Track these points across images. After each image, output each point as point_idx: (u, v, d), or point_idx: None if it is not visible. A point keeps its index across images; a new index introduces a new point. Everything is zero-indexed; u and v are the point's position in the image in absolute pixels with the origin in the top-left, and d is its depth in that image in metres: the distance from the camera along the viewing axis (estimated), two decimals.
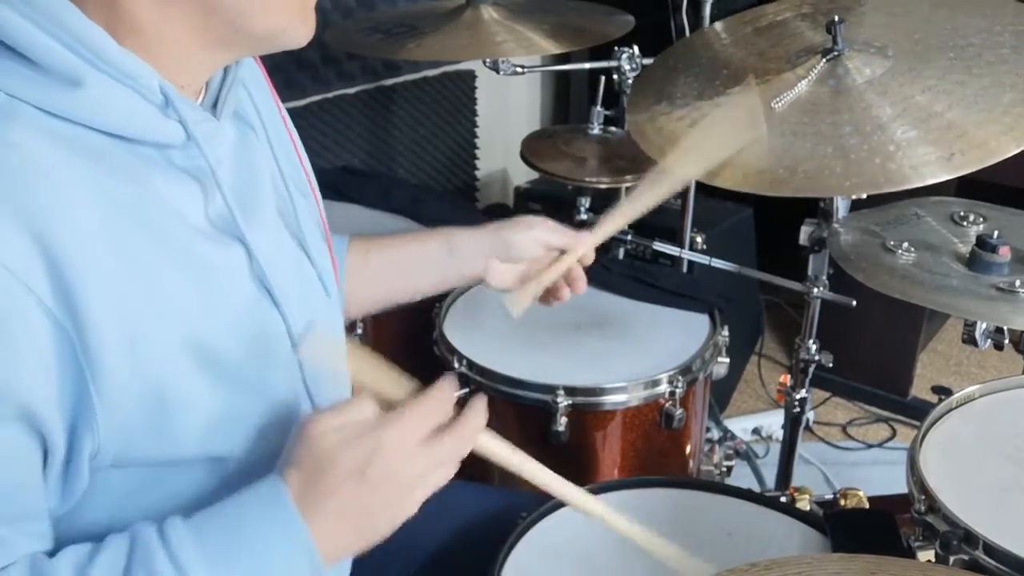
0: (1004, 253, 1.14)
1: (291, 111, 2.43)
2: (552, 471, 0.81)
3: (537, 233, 1.13)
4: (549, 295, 1.17)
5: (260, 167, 0.85)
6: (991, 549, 0.94)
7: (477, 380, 1.45)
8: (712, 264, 1.66)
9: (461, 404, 0.75)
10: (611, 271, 1.69)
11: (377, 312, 1.55)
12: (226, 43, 0.75)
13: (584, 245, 1.14)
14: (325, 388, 0.88)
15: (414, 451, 0.71)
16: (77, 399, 0.66)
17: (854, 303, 1.48)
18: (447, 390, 0.74)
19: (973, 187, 1.37)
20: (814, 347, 1.56)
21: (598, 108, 1.85)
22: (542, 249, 1.13)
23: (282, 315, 0.81)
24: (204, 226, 0.76)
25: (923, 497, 1.01)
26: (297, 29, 0.76)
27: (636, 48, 1.77)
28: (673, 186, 1.15)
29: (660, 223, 2.14)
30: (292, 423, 0.85)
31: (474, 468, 0.79)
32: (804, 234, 1.46)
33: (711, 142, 1.17)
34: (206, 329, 0.73)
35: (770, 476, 1.96)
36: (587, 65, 1.95)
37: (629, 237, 1.74)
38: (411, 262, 1.15)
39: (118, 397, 0.67)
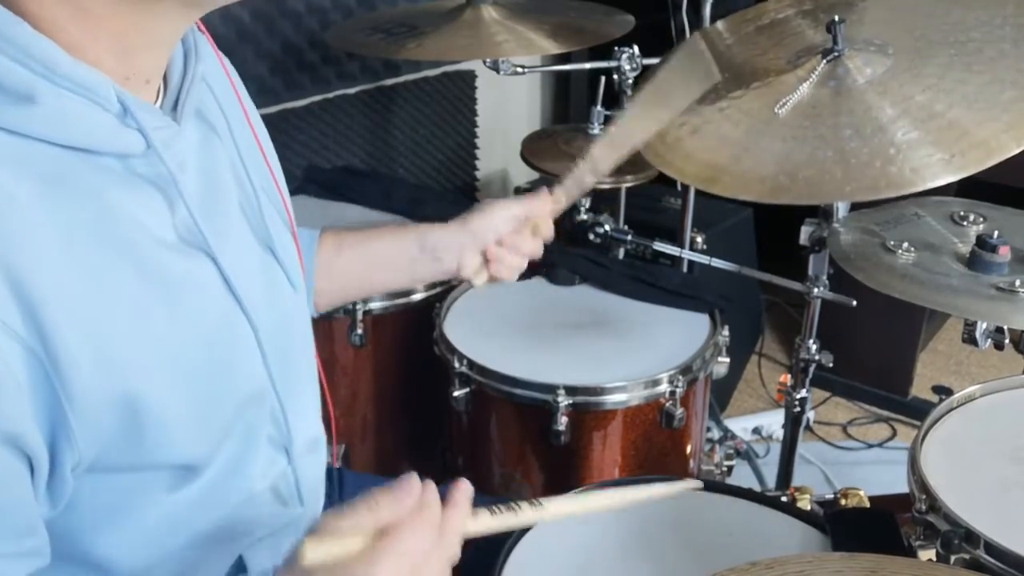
0: (1004, 253, 1.14)
1: (291, 111, 2.45)
2: (545, 499, 0.78)
3: (501, 213, 1.13)
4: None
5: (222, 168, 0.84)
6: (992, 548, 0.94)
7: (477, 380, 1.45)
8: (712, 264, 1.66)
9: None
10: (611, 271, 1.70)
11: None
12: (152, 14, 0.70)
13: (541, 206, 1.13)
14: (294, 391, 0.89)
15: None
16: (53, 417, 0.67)
17: (854, 303, 1.48)
18: (408, 496, 0.69)
19: (973, 187, 1.37)
20: (814, 347, 1.56)
21: (598, 108, 1.85)
22: (511, 224, 1.13)
23: (251, 323, 0.81)
24: (171, 239, 0.75)
25: (924, 496, 1.01)
26: None
27: (636, 48, 1.77)
28: (628, 147, 1.13)
29: (660, 223, 2.16)
30: (261, 428, 0.85)
31: (473, 479, 0.78)
32: (804, 234, 1.46)
33: (665, 99, 1.15)
34: (175, 341, 0.74)
35: (771, 476, 1.96)
36: (587, 65, 1.95)
37: (629, 237, 1.74)
38: (383, 259, 1.16)
39: (91, 410, 0.68)
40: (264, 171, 0.93)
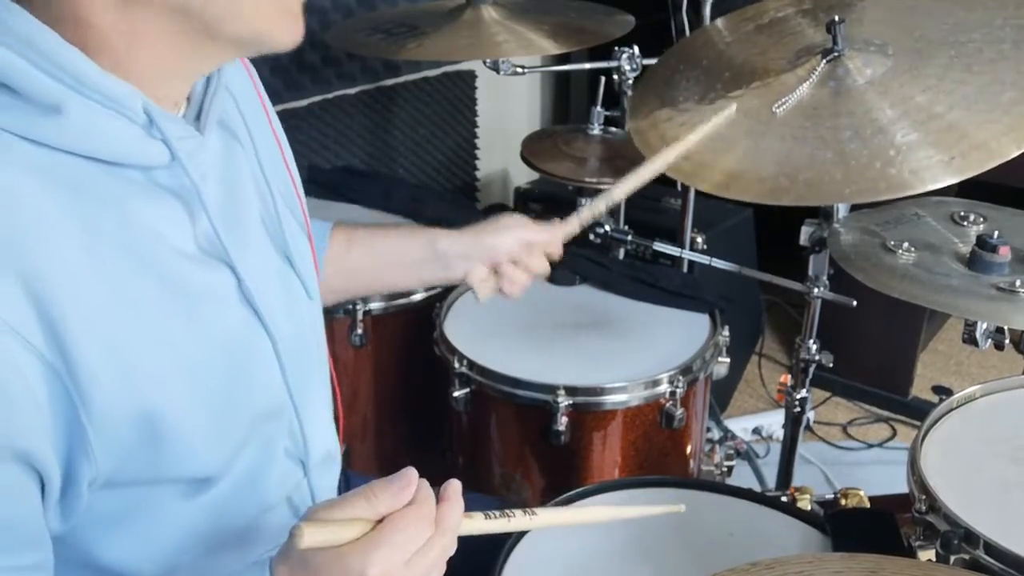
0: (1004, 253, 1.14)
1: (291, 111, 2.45)
2: (539, 508, 0.80)
3: (516, 233, 1.14)
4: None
5: (244, 177, 0.84)
6: (992, 548, 0.94)
7: (477, 380, 1.45)
8: (712, 264, 1.66)
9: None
10: (611, 271, 1.70)
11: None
12: (203, 51, 0.73)
13: (555, 236, 1.15)
14: (311, 403, 0.89)
15: (400, 575, 0.68)
16: (71, 433, 0.67)
17: (854, 303, 1.48)
18: (407, 488, 0.70)
19: (973, 187, 1.37)
20: (814, 347, 1.56)
21: (598, 108, 1.85)
22: (522, 247, 1.14)
23: (269, 334, 0.81)
24: (191, 250, 0.75)
25: (924, 496, 1.01)
26: (281, 33, 0.74)
27: (636, 48, 1.77)
28: (647, 177, 1.16)
29: (660, 223, 2.15)
30: (279, 441, 0.85)
31: (473, 479, 0.78)
32: (804, 234, 1.45)
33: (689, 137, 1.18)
34: (194, 353, 0.74)
35: (771, 476, 1.96)
36: (587, 65, 1.95)
37: (629, 237, 1.74)
38: (393, 260, 1.16)
39: (111, 424, 0.68)
40: (283, 173, 0.93)
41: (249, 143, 0.86)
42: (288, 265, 0.88)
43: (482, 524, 0.75)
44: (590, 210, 1.16)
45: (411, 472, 0.71)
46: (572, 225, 1.17)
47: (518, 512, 0.77)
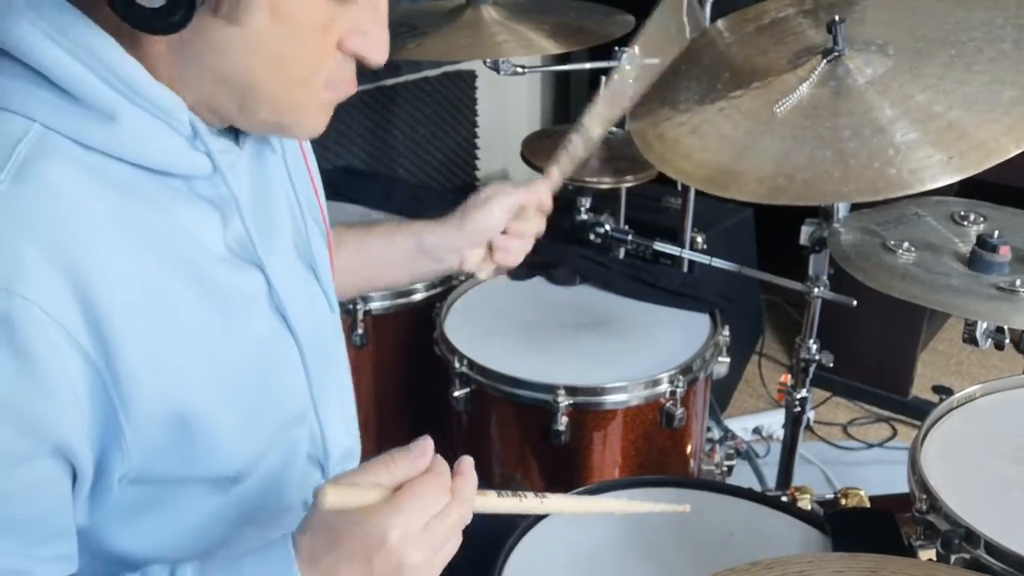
0: (1004, 253, 1.14)
1: None
2: (550, 493, 0.81)
3: (501, 204, 1.10)
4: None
5: (275, 186, 0.86)
6: (992, 548, 0.94)
7: (477, 380, 1.45)
8: (712, 264, 1.66)
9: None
10: (611, 271, 1.70)
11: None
12: (235, 117, 0.76)
13: (540, 192, 1.12)
14: (332, 408, 0.90)
15: (418, 539, 0.69)
16: (107, 430, 0.68)
17: (855, 303, 1.48)
18: (424, 456, 0.72)
19: (974, 187, 1.37)
20: (815, 347, 1.56)
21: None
22: (508, 216, 1.11)
23: (296, 339, 0.82)
24: (223, 253, 0.77)
25: (924, 496, 1.01)
26: (311, 126, 0.79)
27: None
28: (622, 106, 1.15)
29: (660, 223, 2.15)
30: (301, 446, 0.87)
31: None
32: (804, 234, 1.45)
33: (650, 55, 1.16)
34: (228, 356, 0.76)
35: (771, 476, 1.96)
36: (587, 65, 1.95)
37: (630, 237, 1.74)
38: (381, 259, 1.15)
39: (146, 422, 0.70)
40: (307, 180, 0.94)
41: (279, 150, 0.88)
42: (312, 275, 0.89)
43: (495, 502, 0.77)
44: (569, 154, 1.12)
45: (427, 441, 0.73)
46: (555, 176, 1.13)
47: (530, 494, 0.79)
